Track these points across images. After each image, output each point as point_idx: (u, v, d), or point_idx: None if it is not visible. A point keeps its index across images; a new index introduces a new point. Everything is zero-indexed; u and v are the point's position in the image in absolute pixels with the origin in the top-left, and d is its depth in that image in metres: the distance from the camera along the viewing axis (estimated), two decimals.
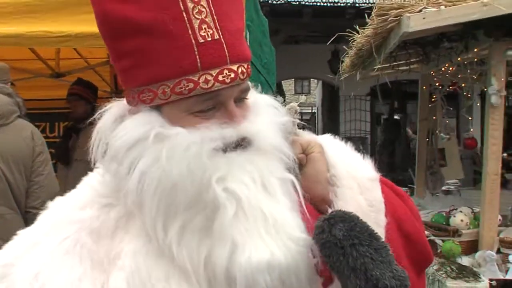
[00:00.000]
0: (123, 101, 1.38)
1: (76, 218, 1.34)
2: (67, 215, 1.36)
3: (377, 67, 4.95)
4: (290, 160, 1.39)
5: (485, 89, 4.40)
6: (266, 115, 1.40)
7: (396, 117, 16.86)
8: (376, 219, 1.46)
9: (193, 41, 1.25)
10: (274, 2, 13.09)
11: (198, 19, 1.26)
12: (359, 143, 17.25)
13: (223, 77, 1.27)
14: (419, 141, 7.08)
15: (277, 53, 6.53)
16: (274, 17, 11.60)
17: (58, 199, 1.44)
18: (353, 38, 5.25)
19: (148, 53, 1.26)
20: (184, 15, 1.25)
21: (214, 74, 1.27)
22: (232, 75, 1.29)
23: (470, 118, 7.05)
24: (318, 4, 13.36)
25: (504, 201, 7.32)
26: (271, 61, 5.65)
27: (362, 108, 17.55)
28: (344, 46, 5.97)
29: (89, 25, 3.53)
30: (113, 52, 1.34)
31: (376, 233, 1.27)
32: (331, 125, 19.89)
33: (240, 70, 1.31)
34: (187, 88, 1.26)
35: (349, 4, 13.01)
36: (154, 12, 1.24)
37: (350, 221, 1.25)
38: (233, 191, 1.25)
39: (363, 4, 11.58)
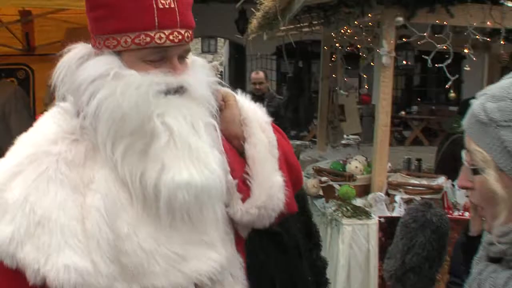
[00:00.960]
0: (88, 44, 1.74)
1: (53, 151, 1.66)
2: (43, 148, 1.67)
3: (282, 28, 5.38)
4: (213, 109, 1.81)
5: (378, 50, 4.90)
6: (200, 73, 1.81)
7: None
8: (272, 152, 1.95)
9: (155, 5, 1.64)
10: None
11: None
12: (271, 101, 17.74)
13: (173, 37, 1.67)
14: (321, 98, 7.50)
15: None
16: None
17: (24, 135, 1.75)
18: (261, 1, 5.63)
19: (118, 8, 1.64)
20: None
21: (166, 34, 1.66)
22: (180, 37, 1.69)
23: (365, 76, 7.60)
24: None
25: (400, 155, 7.97)
26: None
27: (268, 67, 17.90)
28: (252, 8, 6.28)
29: None
30: (89, 3, 1.70)
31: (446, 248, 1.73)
32: (238, 84, 20.23)
33: (186, 34, 1.71)
34: (144, 40, 1.65)
35: None
36: None
37: (441, 219, 1.67)
38: (168, 124, 1.63)
39: None
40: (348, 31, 6.08)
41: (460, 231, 4.47)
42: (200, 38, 33.12)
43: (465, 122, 1.43)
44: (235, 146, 1.95)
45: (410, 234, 1.55)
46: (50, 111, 1.81)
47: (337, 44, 6.90)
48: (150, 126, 1.62)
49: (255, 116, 1.99)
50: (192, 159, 1.64)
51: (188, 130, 1.66)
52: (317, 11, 5.68)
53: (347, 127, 7.61)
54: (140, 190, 1.63)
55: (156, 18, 1.65)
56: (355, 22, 5.50)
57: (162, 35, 1.66)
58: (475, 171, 1.39)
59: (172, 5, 1.67)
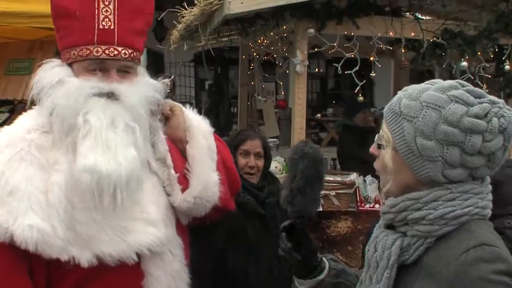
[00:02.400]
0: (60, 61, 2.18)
1: (26, 138, 2.06)
2: (19, 135, 2.07)
3: (203, 39, 5.67)
4: (141, 117, 2.15)
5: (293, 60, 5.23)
6: (140, 87, 2.19)
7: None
8: (211, 156, 2.36)
9: (96, 26, 2.07)
10: None
11: (104, 15, 2.09)
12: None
13: (109, 51, 2.09)
14: (240, 104, 7.81)
15: None
16: None
17: (6, 126, 2.17)
18: (181, 14, 5.87)
19: (71, 29, 2.09)
20: (96, 11, 2.08)
21: (103, 48, 2.09)
22: (115, 52, 2.10)
23: (281, 83, 7.96)
24: None
25: None
26: None
27: (186, 74, 17.97)
28: (170, 18, 6.43)
29: None
30: (55, 26, 2.15)
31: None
32: None
33: (123, 51, 2.11)
34: (85, 53, 2.08)
35: None
36: (77, 5, 2.06)
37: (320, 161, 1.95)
38: (88, 120, 2.02)
39: None
40: (265, 41, 6.41)
41: (371, 221, 4.94)
42: None
43: (386, 108, 1.75)
44: (179, 148, 2.34)
45: (293, 165, 1.94)
46: (29, 111, 2.21)
47: (254, 53, 7.20)
48: (75, 121, 2.01)
49: (198, 125, 2.38)
50: (104, 149, 2.00)
51: (105, 125, 2.03)
52: (235, 23, 5.96)
53: (266, 131, 7.85)
54: (77, 175, 1.99)
55: (95, 36, 2.07)
56: (271, 33, 5.80)
57: (99, 49, 2.08)
58: (379, 146, 1.73)
59: (112, 27, 2.09)
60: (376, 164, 1.77)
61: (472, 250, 1.50)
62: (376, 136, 1.77)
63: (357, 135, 6.70)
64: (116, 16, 2.10)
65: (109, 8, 2.09)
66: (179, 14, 5.90)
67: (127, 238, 2.01)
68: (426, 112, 1.61)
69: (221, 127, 13.73)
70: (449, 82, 1.67)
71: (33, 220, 1.90)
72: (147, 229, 2.07)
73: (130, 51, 2.13)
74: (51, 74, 2.09)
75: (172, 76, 2.45)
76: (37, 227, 1.89)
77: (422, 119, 1.61)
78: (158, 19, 13.56)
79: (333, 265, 1.99)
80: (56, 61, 2.17)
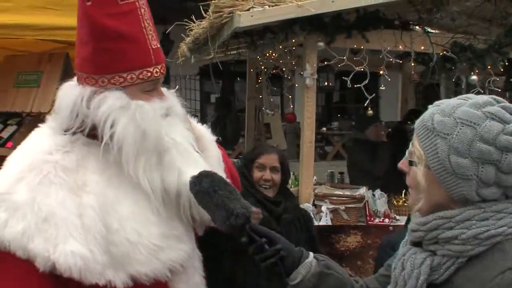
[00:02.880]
0: (83, 86, 2.06)
1: (49, 159, 1.97)
2: (40, 157, 1.98)
3: (212, 52, 5.68)
4: (189, 126, 2.22)
5: (302, 73, 5.24)
6: (173, 97, 2.21)
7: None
8: (221, 165, 2.37)
9: (150, 46, 2.03)
10: None
11: (150, 34, 2.05)
12: None
13: (162, 70, 2.07)
14: (248, 117, 7.80)
15: None
16: None
17: (19, 148, 2.08)
18: (190, 27, 5.89)
19: (123, 52, 1.99)
20: (144, 30, 2.03)
21: (159, 68, 2.06)
22: (163, 70, 2.08)
23: (290, 96, 7.96)
24: None
25: (323, 170, 8.33)
26: None
27: (192, 88, 18.05)
28: (176, 30, 6.44)
29: None
30: (93, 49, 2.00)
31: (229, 181, 2.01)
32: None
33: (162, 68, 2.09)
34: (147, 75, 2.03)
35: None
36: (128, 26, 1.98)
37: (211, 176, 1.95)
38: (174, 139, 2.03)
39: None
40: (273, 54, 6.43)
41: (381, 235, 4.92)
42: None
43: (417, 122, 1.71)
44: None
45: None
46: (37, 130, 2.14)
47: (262, 67, 7.21)
48: (163, 142, 2.01)
49: (205, 133, 2.40)
50: (194, 164, 2.03)
51: (186, 143, 2.08)
52: (244, 37, 5.95)
53: (273, 144, 7.89)
54: (160, 192, 2.00)
55: (152, 57, 2.04)
56: (280, 46, 5.82)
57: (157, 69, 2.05)
58: (411, 163, 1.70)
59: (158, 45, 2.07)
60: (408, 181, 1.74)
61: (508, 272, 1.47)
62: (407, 152, 1.74)
63: (369, 149, 6.65)
64: (154, 33, 2.07)
65: (150, 25, 2.05)
66: (186, 27, 5.92)
67: (160, 256, 1.99)
68: (460, 129, 1.58)
69: (227, 141, 13.74)
70: (484, 97, 1.64)
71: (74, 246, 1.84)
72: (178, 245, 2.06)
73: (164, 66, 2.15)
74: (111, 98, 2.00)
75: (176, 87, 2.45)
76: (79, 253, 1.83)
77: (457, 136, 1.57)
78: (165, 33, 13.83)
79: (321, 257, 1.95)
80: (83, 88, 2.06)
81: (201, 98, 18.82)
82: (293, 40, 5.40)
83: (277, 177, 3.62)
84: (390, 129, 7.71)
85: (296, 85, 6.81)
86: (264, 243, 1.84)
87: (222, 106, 13.61)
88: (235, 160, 8.89)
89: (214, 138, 2.44)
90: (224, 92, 14.59)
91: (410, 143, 1.72)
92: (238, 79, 16.25)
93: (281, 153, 3.82)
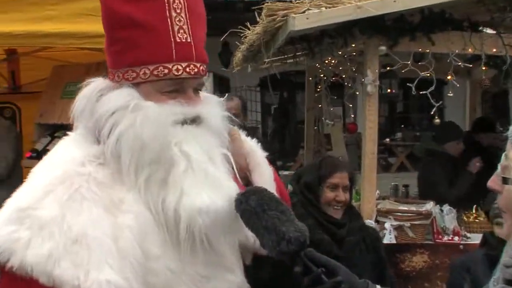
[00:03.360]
0: (104, 79, 1.81)
1: (82, 172, 1.70)
2: (72, 169, 1.71)
3: (266, 60, 5.46)
4: (226, 141, 1.91)
5: (362, 80, 4.97)
6: (214, 106, 1.90)
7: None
8: (271, 183, 2.06)
9: (172, 39, 1.74)
10: None
11: (177, 25, 1.75)
12: (251, 133, 17.75)
13: (189, 69, 1.76)
14: (307, 128, 7.58)
15: None
16: None
17: (46, 158, 1.81)
18: (244, 34, 5.69)
19: (137, 42, 1.72)
20: (168, 20, 1.74)
21: (183, 66, 1.75)
22: (196, 70, 1.77)
23: (350, 105, 7.68)
24: None
25: (386, 182, 8.01)
26: None
27: (252, 99, 18.02)
28: (236, 41, 6.34)
29: None
30: (109, 38, 1.79)
31: (280, 199, 1.74)
32: None
33: (201, 68, 1.80)
34: (162, 72, 1.73)
35: None
36: (147, 13, 1.71)
37: (260, 193, 1.69)
38: (186, 152, 1.70)
39: None
40: (332, 61, 6.17)
41: (450, 255, 4.57)
42: None
43: (511, 130, 1.47)
44: (240, 177, 2.02)
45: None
46: (66, 138, 1.88)
47: (321, 75, 6.98)
48: (169, 154, 1.70)
49: (256, 149, 2.12)
50: (210, 185, 1.71)
51: (204, 158, 1.74)
52: (300, 42, 5.73)
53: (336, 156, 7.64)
54: (163, 216, 1.69)
55: (174, 51, 1.74)
56: (339, 52, 5.56)
57: (179, 67, 1.74)
58: (505, 180, 1.43)
59: (189, 40, 1.77)
60: (501, 201, 1.43)
61: None
62: (499, 166, 1.41)
63: (449, 164, 6.18)
64: (189, 25, 1.78)
65: (182, 17, 1.77)
66: (242, 35, 5.72)
67: (206, 287, 1.74)
68: None
69: (286, 153, 13.54)
70: None
71: (108, 274, 1.57)
72: (225, 276, 1.81)
73: (205, 66, 1.83)
74: (117, 96, 1.74)
75: (226, 95, 2.20)
76: (114, 282, 1.57)
77: None
78: (224, 44, 13.78)
79: None
80: (101, 81, 1.83)
81: (262, 110, 18.76)
82: (353, 45, 5.12)
83: (348, 196, 3.38)
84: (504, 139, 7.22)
85: (357, 93, 6.52)
86: (321, 273, 1.61)
87: (280, 117, 13.41)
88: (286, 173, 8.70)
89: (263, 153, 2.16)
90: (282, 103, 14.37)
91: (503, 156, 1.44)
92: (298, 90, 16.07)
93: (351, 170, 3.57)
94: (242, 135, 2.14)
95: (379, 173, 5.44)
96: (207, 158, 1.75)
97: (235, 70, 6.82)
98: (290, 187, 3.61)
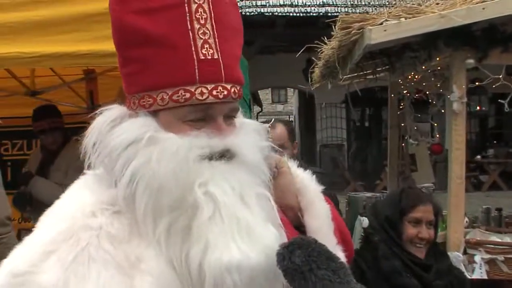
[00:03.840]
0: (123, 107, 1.52)
1: (92, 225, 1.40)
2: (80, 222, 1.42)
3: (344, 77, 5.13)
4: (266, 177, 1.55)
5: (448, 96, 4.58)
6: (250, 135, 1.56)
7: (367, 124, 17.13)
8: (330, 225, 1.71)
9: (195, 56, 1.41)
10: (247, 13, 13.24)
11: (202, 39, 1.43)
12: (336, 150, 17.48)
13: (217, 92, 1.43)
14: (390, 148, 7.23)
15: (252, 64, 6.66)
16: (247, 28, 11.61)
17: (55, 205, 1.51)
18: (321, 49, 5.42)
19: (152, 62, 1.42)
20: (190, 34, 1.41)
21: (209, 88, 1.42)
22: (225, 92, 1.44)
23: (436, 124, 7.23)
24: (291, 14, 13.54)
25: (477, 202, 7.54)
26: (244, 73, 5.79)
27: (338, 116, 17.76)
28: (317, 56, 6.12)
29: (63, 45, 3.66)
30: (122, 58, 1.49)
31: (334, 254, 1.41)
32: (308, 133, 20.07)
33: (232, 90, 1.46)
34: (183, 97, 1.41)
35: (321, 14, 13.22)
36: (164, 26, 1.40)
37: (307, 246, 1.37)
38: (212, 195, 1.38)
39: (335, 13, 11.78)
40: (416, 76, 5.81)
41: None
42: (270, 89, 33.41)
43: None
44: (289, 218, 1.72)
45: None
46: (82, 178, 1.58)
47: (404, 91, 6.64)
48: (192, 197, 1.38)
49: (309, 184, 1.78)
50: (242, 235, 1.39)
51: (236, 202, 1.42)
52: (380, 57, 5.45)
53: (419, 177, 7.22)
54: (187, 273, 1.38)
55: (196, 71, 1.42)
56: (422, 67, 5.21)
57: (204, 90, 1.42)
58: None
59: (216, 56, 1.44)
60: None
61: None
62: None
63: None
64: (216, 39, 1.46)
65: (207, 28, 1.45)
66: (318, 50, 5.45)
67: None
68: None
69: (368, 173, 13.09)
70: None
71: None
72: None
73: (238, 88, 1.51)
74: (130, 127, 1.45)
75: (272, 120, 1.90)
76: None
77: None
78: (307, 60, 13.60)
79: None
80: (117, 108, 1.54)
81: (347, 127, 18.45)
82: (437, 59, 4.76)
83: (432, 233, 3.07)
84: None
85: (443, 110, 6.08)
86: None
87: (362, 135, 12.97)
88: (368, 194, 8.30)
89: (319, 187, 1.80)
90: (364, 120, 13.93)
91: None
92: (384, 106, 15.67)
93: (436, 203, 3.24)
94: (293, 167, 1.80)
95: (469, 192, 5.01)
96: (239, 200, 1.43)
97: (313, 87, 6.55)
98: (365, 220, 3.27)
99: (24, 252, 1.41)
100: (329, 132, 18.01)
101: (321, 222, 1.69)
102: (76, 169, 1.58)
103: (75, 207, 1.47)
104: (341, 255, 1.62)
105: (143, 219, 1.40)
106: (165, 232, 1.38)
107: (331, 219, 1.75)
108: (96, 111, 1.53)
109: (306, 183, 1.77)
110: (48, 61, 3.78)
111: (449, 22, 3.97)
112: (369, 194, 8.54)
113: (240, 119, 1.60)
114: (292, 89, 27.44)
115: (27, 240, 1.45)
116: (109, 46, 3.82)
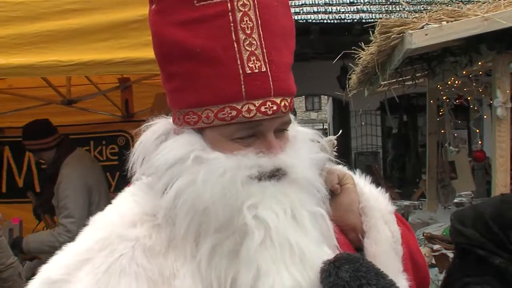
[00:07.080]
0: (169, 119, 1.48)
1: (129, 236, 1.37)
2: (118, 231, 1.38)
3: (383, 83, 5.03)
4: (321, 194, 1.46)
5: (491, 102, 4.45)
6: (303, 149, 1.48)
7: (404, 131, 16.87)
8: (396, 249, 1.59)
9: (241, 71, 1.34)
10: None
11: (248, 50, 1.35)
12: (371, 158, 17.28)
13: (265, 108, 1.35)
14: (429, 155, 7.10)
15: None
16: None
17: (99, 213, 1.48)
18: (359, 56, 5.33)
19: (196, 77, 1.36)
20: (235, 45, 1.34)
21: (257, 105, 1.35)
22: (275, 108, 1.36)
23: (477, 130, 7.08)
24: (325, 21, 13.44)
25: None
26: None
27: (373, 123, 17.56)
28: (352, 63, 6.04)
29: (98, 53, 3.64)
30: (164, 73, 1.44)
31: (382, 271, 1.34)
32: (342, 141, 19.89)
33: (283, 104, 1.38)
34: (229, 115, 1.35)
35: (355, 21, 13.08)
36: (206, 40, 1.33)
37: (355, 262, 1.31)
38: (263, 219, 1.31)
39: (369, 20, 11.65)
40: (456, 82, 5.68)
41: None
42: (303, 97, 33.27)
43: None
44: (351, 240, 1.61)
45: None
46: (132, 186, 1.53)
47: (444, 97, 6.53)
48: (241, 220, 1.32)
49: (376, 204, 1.65)
50: (295, 260, 1.33)
51: (288, 225, 1.35)
52: (419, 62, 5.33)
53: (459, 185, 7.08)
54: None
55: (243, 87, 1.35)
56: (463, 72, 5.11)
57: (251, 107, 1.35)
58: None
59: (264, 69, 1.36)
60: None
61: None
62: None
63: None
64: (264, 49, 1.37)
65: (254, 38, 1.36)
66: (355, 57, 5.37)
67: None
68: None
69: (406, 181, 12.87)
70: None
71: None
72: None
73: (289, 100, 1.42)
74: (175, 145, 1.40)
75: (339, 133, 1.80)
76: None
77: None
78: (342, 67, 13.49)
79: None
80: (164, 123, 1.50)
81: (382, 134, 18.21)
82: (479, 63, 4.64)
83: None
84: None
85: (485, 116, 5.94)
86: None
87: (399, 142, 12.79)
88: (406, 203, 8.11)
89: (392, 208, 1.68)
90: (401, 127, 13.74)
91: None
92: (420, 113, 15.43)
93: None
94: (360, 182, 1.68)
95: None
96: (291, 222, 1.35)
97: (350, 94, 6.45)
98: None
99: (61, 259, 1.39)
100: (364, 140, 17.81)
101: (380, 249, 1.57)
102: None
103: (116, 215, 1.44)
104: (404, 284, 1.54)
105: (184, 238, 1.34)
106: (208, 253, 1.33)
107: (399, 243, 1.62)
108: (141, 127, 1.49)
109: (372, 203, 1.64)
110: (84, 69, 3.77)
111: (492, 25, 3.83)
112: (407, 202, 8.41)
113: (295, 128, 1.53)
114: (326, 97, 27.31)
115: (68, 247, 1.42)
116: (145, 53, 3.82)
